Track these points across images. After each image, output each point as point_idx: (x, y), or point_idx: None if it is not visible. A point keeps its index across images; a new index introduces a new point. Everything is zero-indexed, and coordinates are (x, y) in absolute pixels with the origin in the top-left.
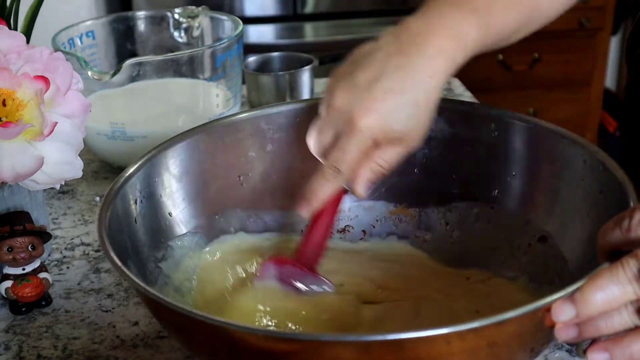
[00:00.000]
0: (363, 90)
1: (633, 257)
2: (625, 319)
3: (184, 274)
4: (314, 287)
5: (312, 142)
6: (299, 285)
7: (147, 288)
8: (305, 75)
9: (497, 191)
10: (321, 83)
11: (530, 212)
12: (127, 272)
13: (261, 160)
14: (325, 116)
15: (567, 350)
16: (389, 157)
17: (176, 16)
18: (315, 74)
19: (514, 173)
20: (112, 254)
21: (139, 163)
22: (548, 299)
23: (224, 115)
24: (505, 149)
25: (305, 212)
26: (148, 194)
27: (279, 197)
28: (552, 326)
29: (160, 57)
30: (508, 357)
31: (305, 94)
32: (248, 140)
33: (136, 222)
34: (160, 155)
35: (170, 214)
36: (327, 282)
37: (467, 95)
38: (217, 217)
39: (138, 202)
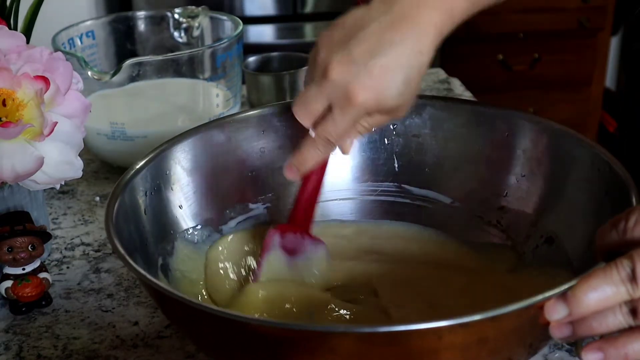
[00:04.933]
0: (360, 65)
1: (627, 258)
2: (619, 319)
3: (195, 267)
4: (312, 252)
5: (302, 111)
6: (299, 253)
7: (149, 277)
8: (305, 75)
9: (506, 192)
10: None
11: (539, 213)
12: (131, 261)
13: (273, 156)
14: (317, 86)
15: (567, 350)
16: (375, 122)
17: (176, 16)
18: None
19: (523, 174)
20: (118, 244)
21: (151, 156)
22: (540, 297)
23: (224, 115)
24: (515, 149)
25: (292, 177)
26: (159, 186)
27: (289, 193)
28: (547, 324)
29: (160, 57)
30: (506, 353)
31: None
32: (261, 136)
33: (145, 214)
34: (172, 149)
35: (180, 207)
36: (322, 243)
37: (467, 95)
38: (227, 211)
39: (148, 194)
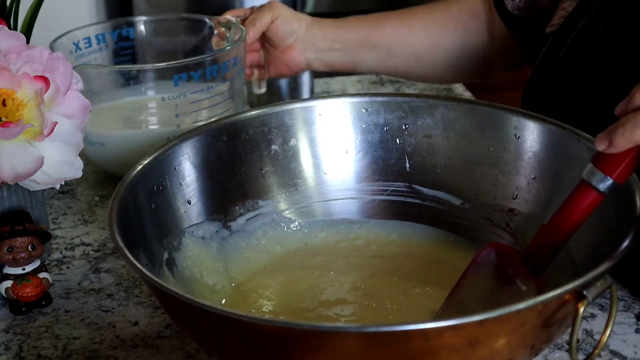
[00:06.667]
0: None
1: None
2: None
3: (207, 266)
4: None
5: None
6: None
7: (147, 272)
8: (305, 75)
9: (516, 194)
10: (321, 83)
11: (548, 216)
12: (130, 256)
13: (284, 154)
14: None
15: (567, 351)
16: None
17: (213, 24)
18: (315, 74)
19: (533, 177)
20: (118, 237)
21: (159, 152)
22: (530, 302)
23: (224, 115)
24: (526, 151)
25: (601, 147)
26: (166, 181)
27: (299, 190)
28: (543, 325)
29: (162, 65)
30: (507, 354)
31: (305, 94)
32: (272, 134)
33: (151, 209)
34: (182, 145)
35: (189, 202)
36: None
37: (467, 95)
38: (237, 207)
39: (156, 189)
